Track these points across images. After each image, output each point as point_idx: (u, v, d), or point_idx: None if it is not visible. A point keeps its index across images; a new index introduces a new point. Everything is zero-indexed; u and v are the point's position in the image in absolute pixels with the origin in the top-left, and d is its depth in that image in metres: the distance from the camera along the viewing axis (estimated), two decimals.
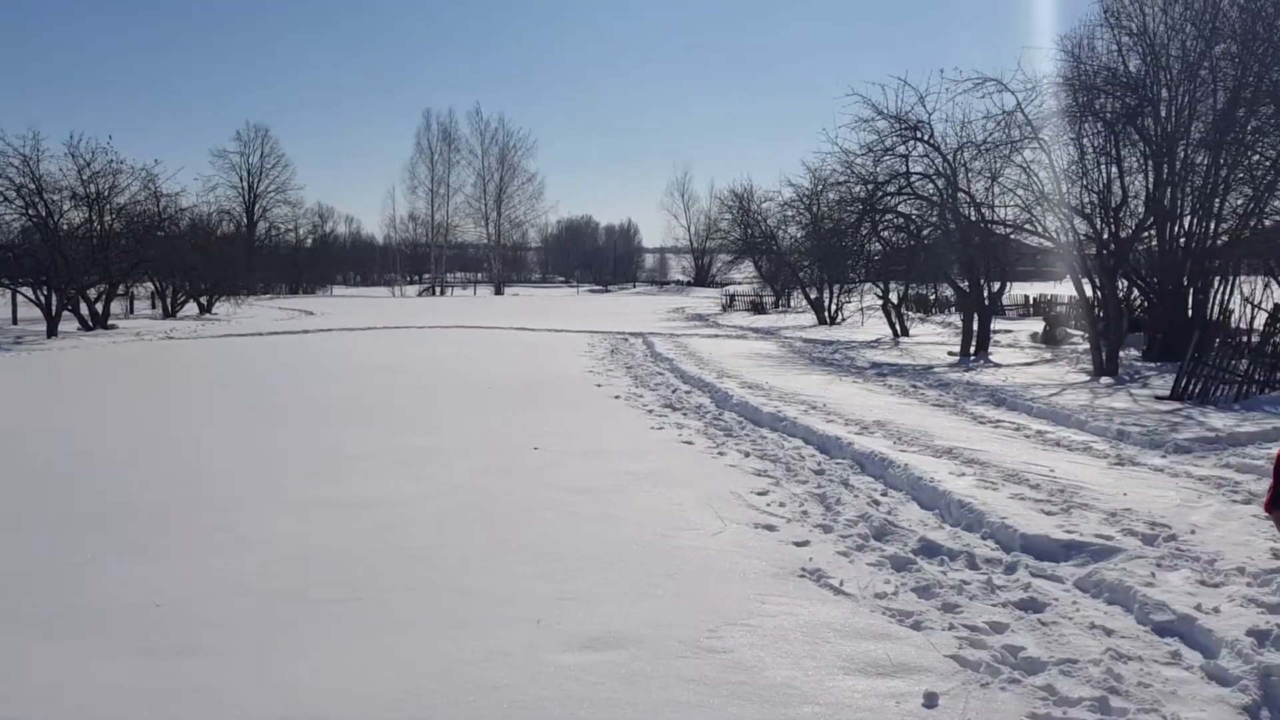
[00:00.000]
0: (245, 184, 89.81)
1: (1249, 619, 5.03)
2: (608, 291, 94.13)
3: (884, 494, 8.38)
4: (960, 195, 24.14)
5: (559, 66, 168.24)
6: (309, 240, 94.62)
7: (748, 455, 10.05)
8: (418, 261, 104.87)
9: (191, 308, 46.35)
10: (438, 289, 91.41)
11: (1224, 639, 4.76)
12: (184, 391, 16.28)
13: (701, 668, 4.38)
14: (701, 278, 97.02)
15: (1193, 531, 6.80)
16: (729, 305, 54.49)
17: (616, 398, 14.81)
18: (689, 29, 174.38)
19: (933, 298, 41.61)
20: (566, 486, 8.41)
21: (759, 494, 8.18)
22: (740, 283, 61.70)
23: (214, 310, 46.27)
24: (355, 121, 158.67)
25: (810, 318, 40.65)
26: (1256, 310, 18.30)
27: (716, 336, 30.93)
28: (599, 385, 16.45)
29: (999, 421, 12.59)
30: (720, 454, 10.12)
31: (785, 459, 9.84)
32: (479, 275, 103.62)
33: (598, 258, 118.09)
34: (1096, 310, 20.05)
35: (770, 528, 7.05)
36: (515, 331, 31.59)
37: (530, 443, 10.53)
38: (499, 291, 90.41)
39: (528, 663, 4.45)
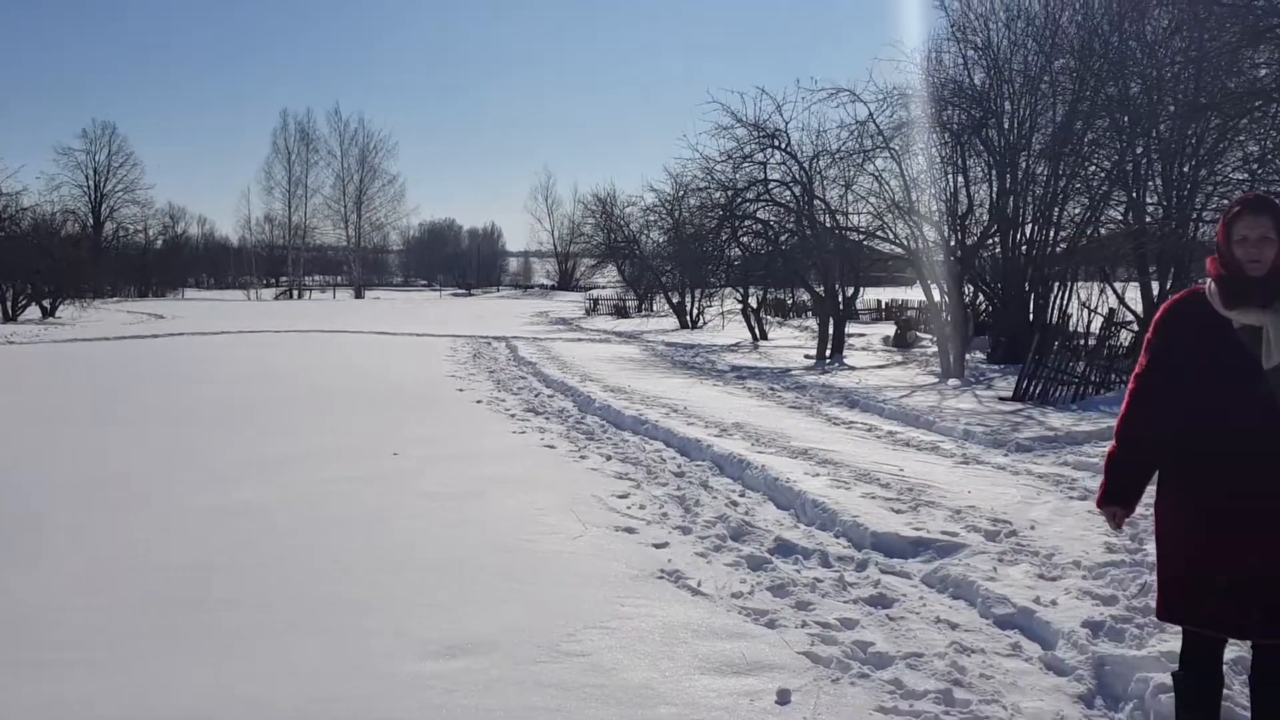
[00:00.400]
0: (91, 183, 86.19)
1: (1084, 611, 5.28)
2: (471, 295, 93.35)
3: (742, 495, 8.54)
4: (816, 202, 24.74)
5: (421, 67, 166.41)
6: (159, 241, 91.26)
7: (609, 459, 10.11)
8: (275, 264, 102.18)
9: (34, 311, 44.22)
10: (295, 292, 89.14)
11: (1061, 630, 5.00)
12: (24, 399, 15.53)
13: (559, 672, 4.40)
14: (565, 282, 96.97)
15: (1032, 527, 7.12)
16: (593, 309, 54.65)
17: (479, 402, 14.72)
18: (554, 33, 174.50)
19: (790, 302, 42.53)
20: (427, 492, 8.33)
21: (620, 497, 8.24)
22: (604, 287, 61.90)
23: (58, 314, 44.24)
24: (209, 121, 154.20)
25: (673, 321, 41.09)
26: (1092, 314, 19.23)
27: (580, 340, 31.02)
28: (461, 390, 16.32)
29: (852, 423, 12.95)
30: (582, 458, 10.16)
31: (646, 462, 9.94)
32: (338, 278, 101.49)
33: (461, 261, 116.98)
34: (944, 315, 20.78)
35: (631, 530, 7.12)
36: (376, 336, 31.08)
37: (391, 449, 10.39)
38: (359, 295, 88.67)
39: (384, 672, 4.41)
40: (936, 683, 4.36)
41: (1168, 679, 3.79)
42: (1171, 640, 3.69)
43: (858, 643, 4.83)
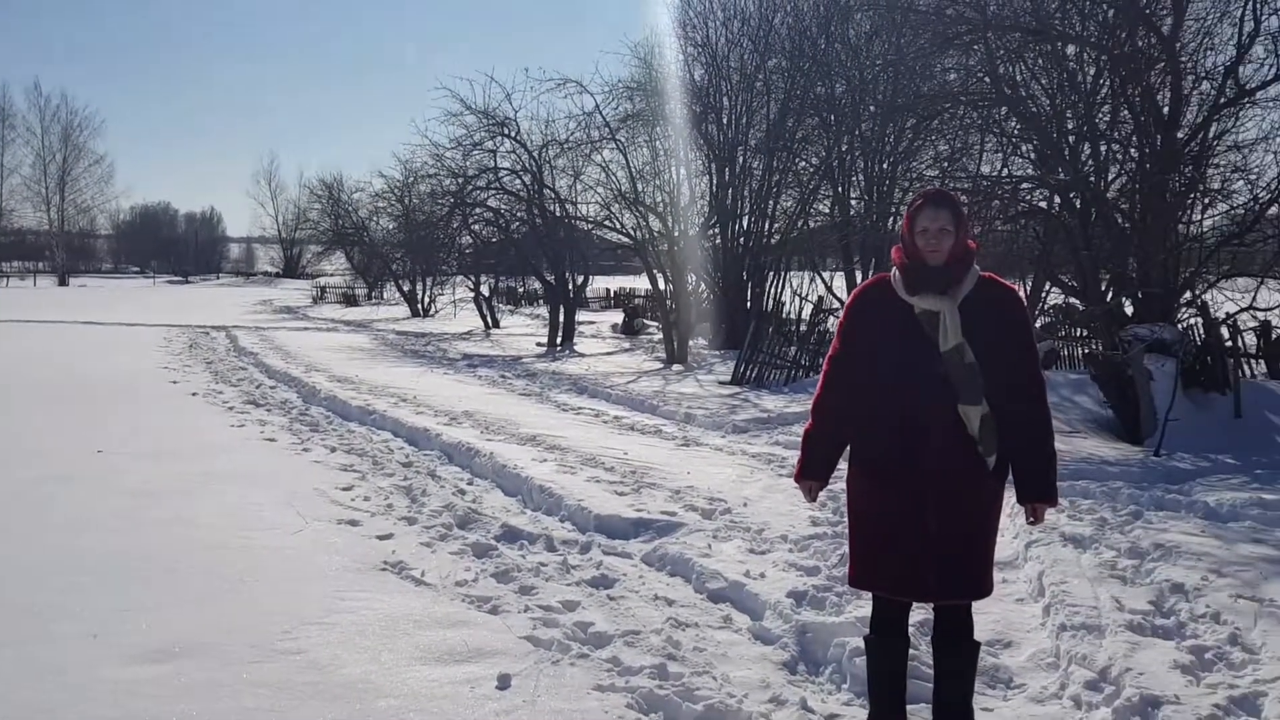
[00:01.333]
0: None
1: (790, 582, 5.61)
2: (188, 283, 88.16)
3: (470, 483, 8.52)
4: (546, 191, 24.91)
5: (132, 41, 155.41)
6: None
7: (334, 450, 9.84)
8: None
9: None
10: None
11: (768, 602, 5.28)
12: None
13: (274, 671, 4.26)
14: (291, 269, 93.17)
15: (745, 504, 7.47)
16: (320, 297, 52.85)
17: (194, 395, 13.96)
18: (279, 11, 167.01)
19: (522, 290, 42.62)
20: (133, 490, 7.83)
21: (344, 489, 8.04)
22: (332, 274, 59.92)
23: None
24: None
25: (404, 310, 40.37)
26: (803, 302, 20.32)
27: (306, 330, 29.97)
28: (175, 382, 15.42)
29: (581, 409, 13.16)
30: (305, 450, 9.84)
31: (373, 453, 9.74)
32: (40, 265, 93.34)
33: (177, 247, 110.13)
34: (669, 302, 21.43)
35: (354, 523, 6.96)
36: (82, 326, 28.88)
37: (95, 445, 9.70)
38: (64, 282, 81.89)
39: (83, 680, 4.13)
40: (652, 658, 4.51)
41: (861, 642, 4.07)
42: (867, 606, 3.98)
43: (578, 624, 4.93)
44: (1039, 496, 3.66)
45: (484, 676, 4.24)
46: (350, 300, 48.95)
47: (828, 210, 22.63)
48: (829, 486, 3.97)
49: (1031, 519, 3.71)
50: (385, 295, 47.35)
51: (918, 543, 3.58)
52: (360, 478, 8.53)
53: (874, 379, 3.68)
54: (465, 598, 5.32)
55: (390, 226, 40.11)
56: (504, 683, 4.17)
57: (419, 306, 39.49)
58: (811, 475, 3.84)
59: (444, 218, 26.91)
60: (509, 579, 5.68)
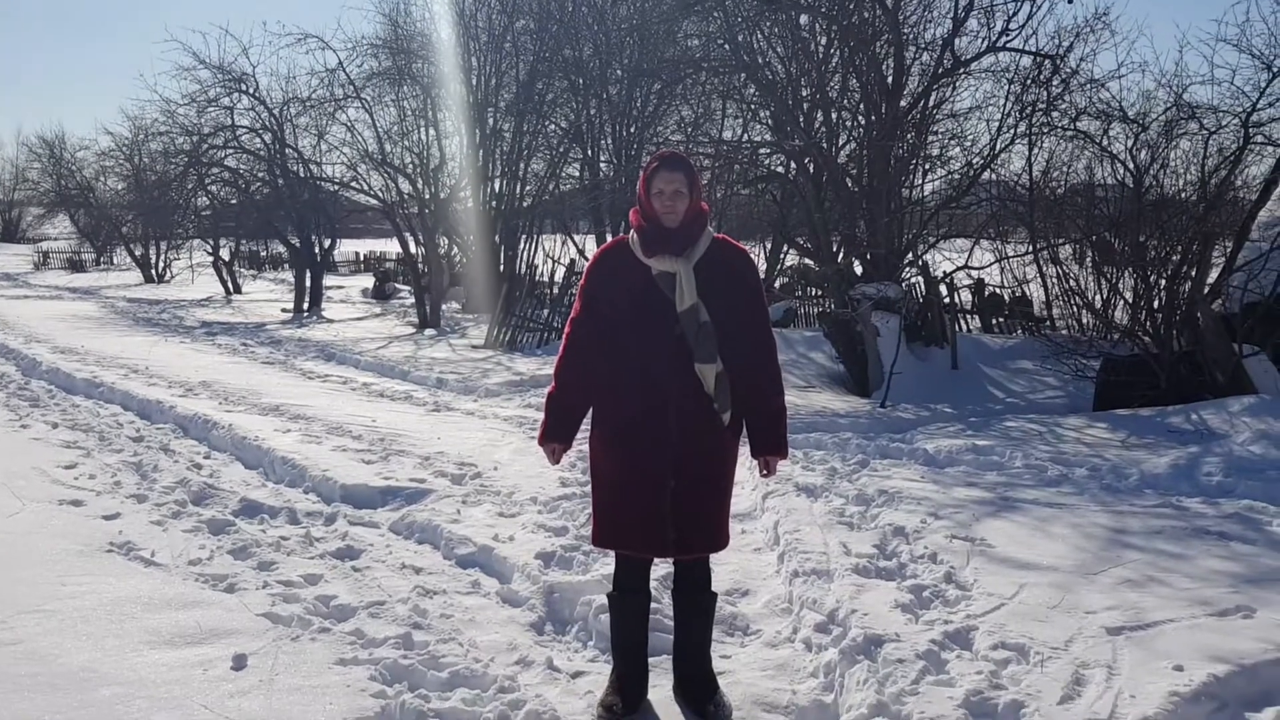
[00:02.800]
0: None
1: (538, 543, 5.65)
2: None
3: (207, 457, 8.14)
4: (289, 151, 23.96)
5: None
6: None
7: (56, 426, 9.17)
8: None
9: None
10: None
11: (516, 564, 5.30)
12: None
13: None
14: (10, 233, 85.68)
15: (496, 468, 7.47)
16: (43, 263, 48.84)
17: None
18: None
19: (266, 255, 40.89)
20: None
21: (66, 468, 7.50)
22: (56, 239, 55.49)
23: None
24: None
25: (136, 276, 37.97)
26: (556, 265, 20.42)
27: (26, 298, 27.71)
28: None
29: (327, 376, 12.78)
30: (24, 427, 9.12)
31: (100, 428, 9.13)
32: None
33: None
34: (421, 266, 21.08)
35: (77, 503, 6.51)
36: None
37: None
38: None
39: None
40: (397, 628, 4.45)
41: (605, 599, 4.15)
42: (612, 564, 4.06)
43: (320, 598, 4.80)
44: (770, 449, 3.82)
45: (218, 658, 4.07)
46: (77, 266, 45.57)
47: (577, 174, 22.77)
48: (577, 448, 4.00)
49: (764, 472, 3.88)
50: (115, 260, 44.35)
51: (658, 500, 3.68)
52: (85, 455, 7.99)
53: (615, 340, 3.73)
54: (199, 577, 5.07)
55: (119, 187, 37.55)
56: (239, 663, 4.02)
57: (153, 272, 37.23)
58: (555, 437, 3.86)
59: (177, 178, 25.47)
60: (247, 555, 5.46)
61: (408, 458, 7.79)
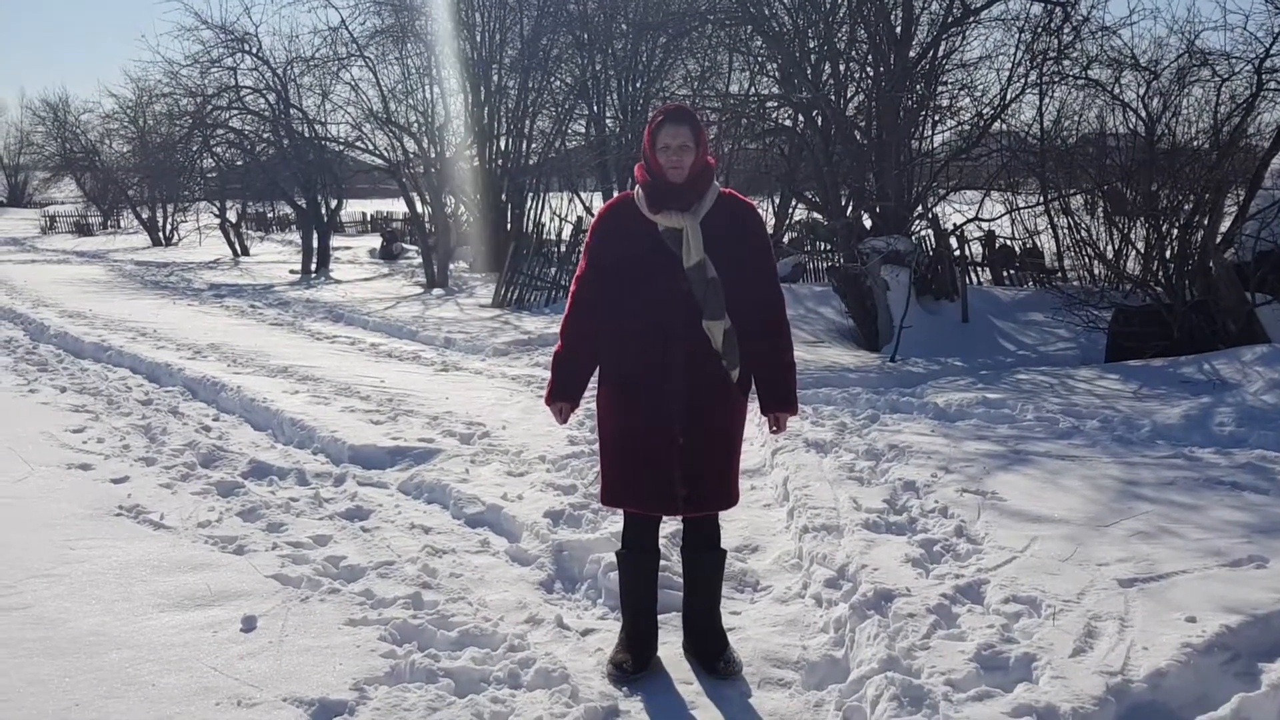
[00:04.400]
0: None
1: (547, 502, 5.63)
2: None
3: (216, 419, 8.14)
4: (293, 111, 23.81)
5: None
6: None
7: (64, 390, 9.17)
8: None
9: None
10: None
11: (525, 523, 5.29)
12: None
13: None
14: (17, 198, 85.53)
15: (504, 427, 7.45)
16: (50, 227, 48.76)
17: None
18: None
19: (273, 216, 40.78)
20: None
21: (75, 431, 7.50)
22: (63, 203, 55.37)
23: None
24: None
25: (144, 239, 37.91)
26: (563, 223, 20.32)
27: (34, 262, 27.71)
28: None
29: (335, 337, 12.76)
30: (32, 391, 9.12)
31: (108, 391, 9.13)
32: None
33: None
34: (428, 225, 20.99)
35: (86, 466, 6.51)
36: None
37: None
38: None
39: None
40: (407, 588, 4.44)
41: (614, 557, 4.14)
42: (621, 521, 4.04)
43: (330, 559, 4.79)
44: (780, 406, 3.78)
45: (228, 620, 4.07)
46: (84, 230, 45.51)
47: (583, 130, 22.59)
48: (585, 406, 3.96)
49: (774, 429, 3.85)
50: (122, 224, 44.27)
51: (667, 458, 3.65)
52: (93, 418, 7.99)
53: (621, 298, 3.69)
54: (208, 539, 5.07)
55: (125, 150, 37.43)
56: (249, 624, 4.02)
57: (160, 235, 37.18)
58: (562, 397, 3.83)
59: (182, 139, 25.36)
60: (256, 517, 5.46)
61: (416, 418, 7.78)
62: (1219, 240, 10.10)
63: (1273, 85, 10.22)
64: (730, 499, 3.82)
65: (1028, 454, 6.39)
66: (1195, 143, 10.91)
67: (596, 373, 3.83)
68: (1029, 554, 4.54)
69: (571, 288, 3.85)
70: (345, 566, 4.71)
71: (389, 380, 9.40)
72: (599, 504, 4.64)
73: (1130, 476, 5.80)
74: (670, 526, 4.71)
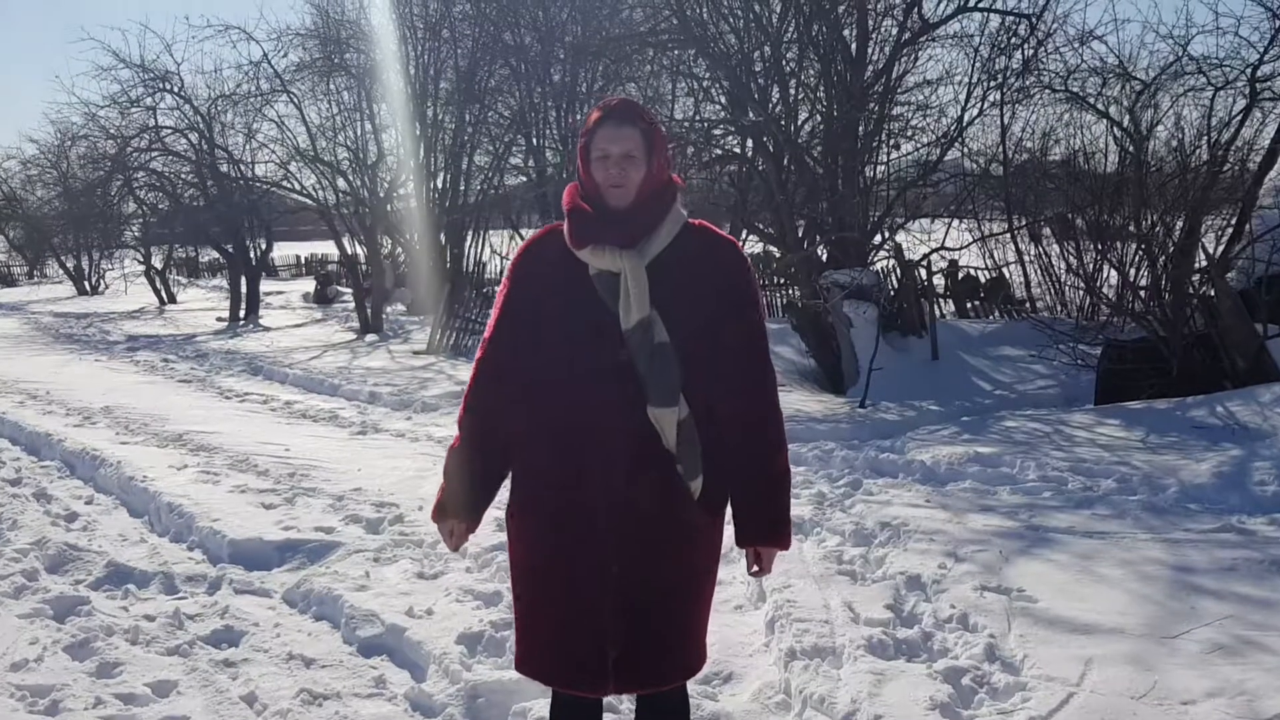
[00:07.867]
0: None
1: (464, 618, 4.46)
2: None
3: (89, 502, 6.94)
4: (218, 151, 22.62)
5: None
6: None
7: None
8: None
9: None
10: None
11: (434, 652, 4.12)
12: None
13: None
14: None
15: (420, 508, 6.24)
16: None
17: None
18: None
19: (202, 261, 39.37)
20: None
21: None
22: None
23: None
24: None
25: (69, 288, 36.33)
26: (504, 261, 19.29)
27: None
28: None
29: (248, 394, 11.53)
30: None
31: None
32: None
33: None
34: (361, 267, 19.84)
35: None
36: None
37: None
38: None
39: None
40: None
41: (545, 710, 3.03)
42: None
43: (167, 719, 3.62)
44: (765, 537, 2.67)
45: None
46: (6, 280, 43.72)
47: (522, 165, 21.61)
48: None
49: (755, 569, 2.73)
50: (48, 273, 42.54)
51: (597, 612, 2.54)
52: None
53: (534, 371, 2.58)
54: (15, 691, 3.87)
55: (49, 196, 35.84)
56: None
57: (86, 284, 35.60)
58: (453, 512, 2.72)
59: (102, 184, 24.06)
60: (89, 653, 4.24)
61: (317, 499, 6.58)
62: (1218, 264, 9.18)
63: (1267, 95, 9.36)
64: (691, 667, 2.72)
65: (1047, 531, 5.33)
66: (1190, 158, 9.95)
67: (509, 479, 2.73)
68: (1088, 688, 3.46)
69: (477, 353, 2.71)
70: None
71: (295, 448, 8.20)
72: None
73: (1179, 560, 4.76)
74: None
